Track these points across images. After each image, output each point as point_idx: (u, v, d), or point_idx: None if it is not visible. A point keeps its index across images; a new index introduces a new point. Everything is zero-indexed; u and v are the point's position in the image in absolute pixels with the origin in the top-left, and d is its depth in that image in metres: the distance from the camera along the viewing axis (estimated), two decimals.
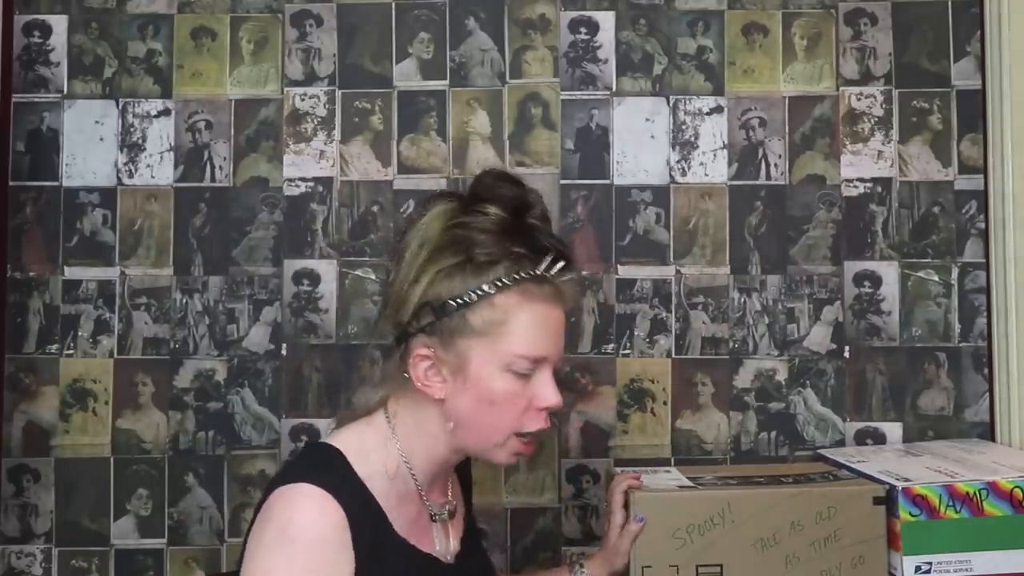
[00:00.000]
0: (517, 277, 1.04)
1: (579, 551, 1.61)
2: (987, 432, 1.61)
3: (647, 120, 1.65)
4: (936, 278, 1.63)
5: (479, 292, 1.03)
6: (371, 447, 1.08)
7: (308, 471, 1.03)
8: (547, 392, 1.06)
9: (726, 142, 1.65)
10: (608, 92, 1.66)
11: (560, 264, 1.07)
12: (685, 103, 1.66)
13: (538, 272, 1.05)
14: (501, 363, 1.04)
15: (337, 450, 1.06)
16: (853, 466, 1.40)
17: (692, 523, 1.24)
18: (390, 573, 1.03)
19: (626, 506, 1.27)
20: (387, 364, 1.14)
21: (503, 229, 1.06)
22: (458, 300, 1.03)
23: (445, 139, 1.65)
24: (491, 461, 1.10)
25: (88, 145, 1.64)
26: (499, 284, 1.03)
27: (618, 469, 1.43)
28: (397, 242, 1.12)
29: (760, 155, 1.65)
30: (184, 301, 1.63)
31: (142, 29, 1.66)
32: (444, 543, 1.14)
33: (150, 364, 1.62)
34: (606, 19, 1.66)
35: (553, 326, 1.07)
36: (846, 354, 1.63)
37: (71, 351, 1.62)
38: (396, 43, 1.66)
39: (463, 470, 1.26)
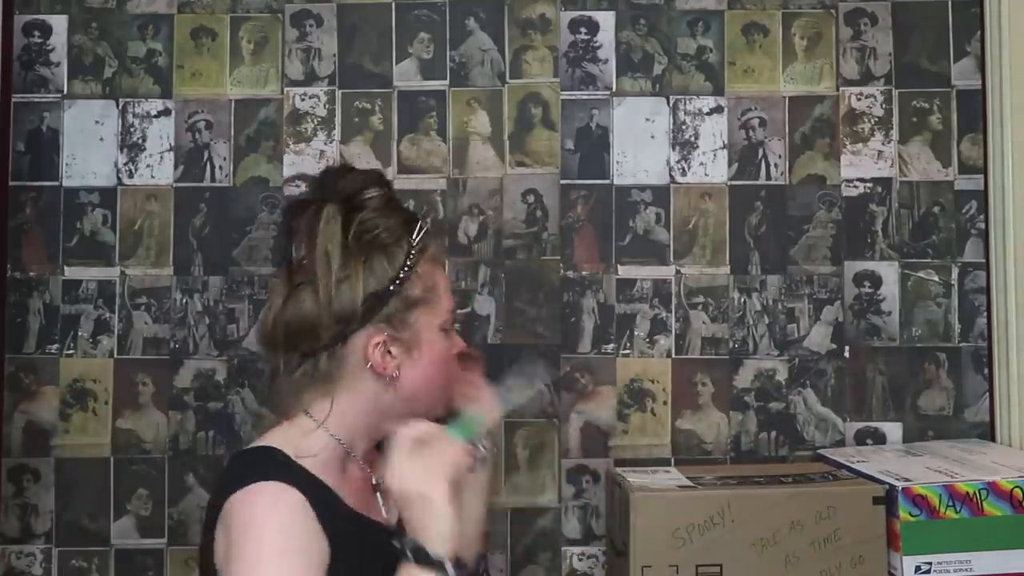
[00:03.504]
0: (419, 244, 1.13)
1: (578, 551, 1.61)
2: (987, 432, 1.61)
3: (647, 120, 1.65)
4: (936, 278, 1.63)
5: (406, 268, 1.11)
6: (301, 437, 1.09)
7: (253, 472, 1.04)
8: (459, 340, 1.18)
9: (726, 142, 1.65)
10: (608, 92, 1.66)
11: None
12: (685, 103, 1.66)
13: (423, 235, 1.14)
14: (439, 324, 1.13)
15: (270, 447, 1.08)
16: (853, 466, 1.40)
17: (692, 523, 1.24)
18: (353, 542, 1.04)
19: None
20: (305, 371, 1.12)
21: (388, 206, 1.14)
22: (394, 283, 1.10)
23: (445, 139, 1.65)
24: (437, 411, 1.15)
25: (88, 145, 1.64)
26: (413, 255, 1.12)
27: (618, 469, 1.44)
28: (295, 260, 1.13)
29: (760, 155, 1.65)
30: (184, 301, 1.63)
31: (142, 29, 1.66)
32: (389, 509, 1.15)
33: (150, 364, 1.62)
34: (606, 19, 1.66)
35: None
36: (846, 354, 1.63)
37: (71, 351, 1.62)
38: (396, 43, 1.66)
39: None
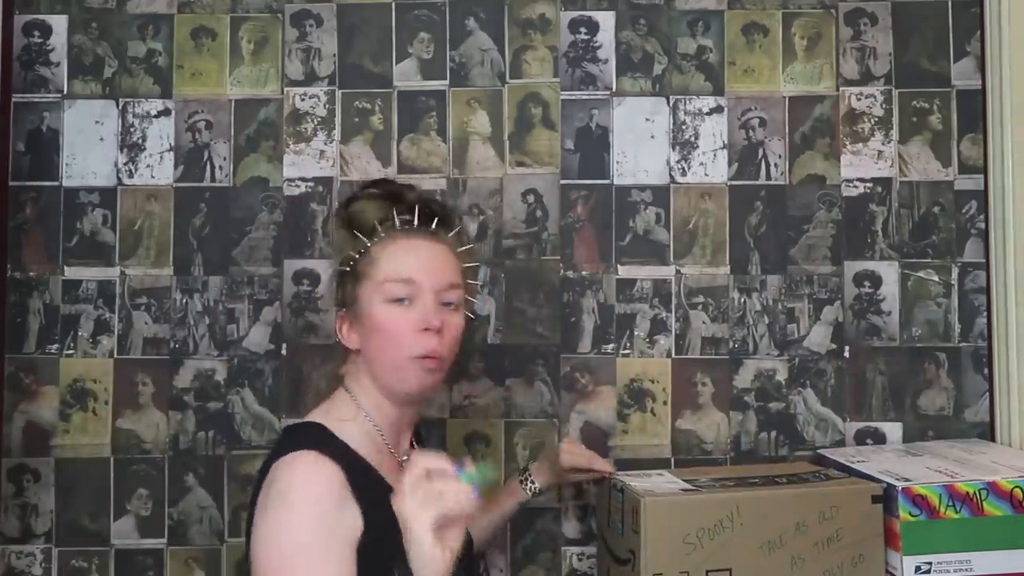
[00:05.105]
0: (390, 232, 1.21)
1: (578, 551, 1.61)
2: (987, 432, 1.61)
3: (647, 120, 1.65)
4: (936, 278, 1.63)
5: (360, 251, 1.21)
6: (342, 415, 1.20)
7: (299, 443, 1.14)
8: (424, 314, 1.18)
9: (726, 142, 1.65)
10: (608, 92, 1.66)
11: (435, 220, 1.23)
12: (685, 103, 1.66)
13: (407, 226, 1.21)
14: (380, 295, 1.19)
15: (316, 423, 1.19)
16: (853, 466, 1.40)
17: (703, 527, 1.23)
18: (388, 512, 1.07)
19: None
20: (338, 350, 1.28)
21: (378, 200, 1.24)
22: (348, 264, 1.22)
23: (445, 139, 1.65)
24: (407, 389, 1.21)
25: (88, 145, 1.64)
26: (375, 240, 1.21)
27: (619, 472, 1.43)
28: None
29: (760, 155, 1.65)
30: (184, 301, 1.63)
31: (142, 29, 1.65)
32: None
33: (150, 364, 1.62)
34: (606, 19, 1.66)
35: (421, 254, 1.21)
36: (846, 354, 1.63)
37: (71, 351, 1.62)
38: (396, 43, 1.66)
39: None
